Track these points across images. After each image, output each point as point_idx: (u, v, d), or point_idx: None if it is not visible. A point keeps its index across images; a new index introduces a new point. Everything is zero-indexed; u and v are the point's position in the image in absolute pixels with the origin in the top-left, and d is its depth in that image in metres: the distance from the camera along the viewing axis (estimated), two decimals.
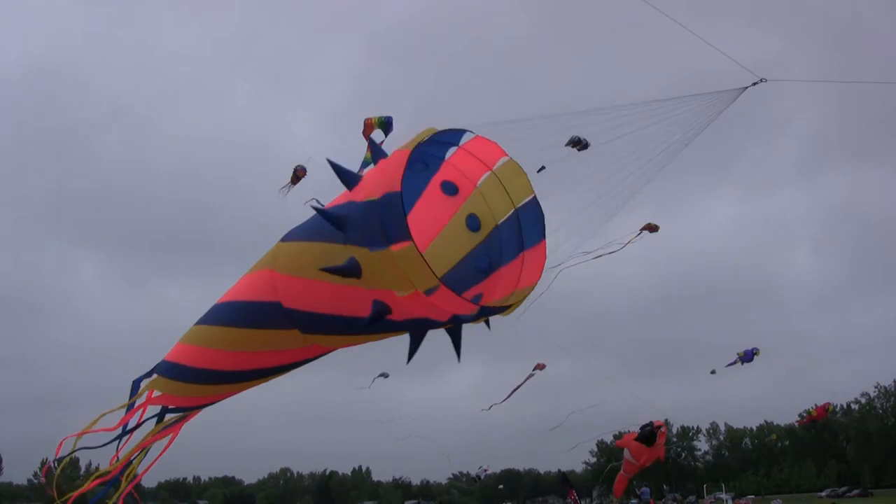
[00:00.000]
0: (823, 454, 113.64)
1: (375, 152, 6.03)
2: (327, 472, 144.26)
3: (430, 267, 5.03)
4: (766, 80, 12.73)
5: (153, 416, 7.89)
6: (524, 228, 6.18)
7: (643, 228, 23.05)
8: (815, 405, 40.11)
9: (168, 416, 7.90)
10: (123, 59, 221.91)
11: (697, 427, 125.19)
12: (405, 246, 4.97)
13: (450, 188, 6.03)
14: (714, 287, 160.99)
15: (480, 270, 6.09)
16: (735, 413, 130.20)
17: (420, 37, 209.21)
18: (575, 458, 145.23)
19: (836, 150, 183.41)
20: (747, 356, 32.37)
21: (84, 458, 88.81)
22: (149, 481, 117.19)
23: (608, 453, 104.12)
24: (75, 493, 7.98)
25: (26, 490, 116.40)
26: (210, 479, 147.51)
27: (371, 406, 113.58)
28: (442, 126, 5.82)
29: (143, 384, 7.73)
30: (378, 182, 5.32)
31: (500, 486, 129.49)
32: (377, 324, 5.54)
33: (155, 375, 7.74)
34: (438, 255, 5.65)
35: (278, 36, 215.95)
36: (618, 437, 33.52)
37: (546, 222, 6.25)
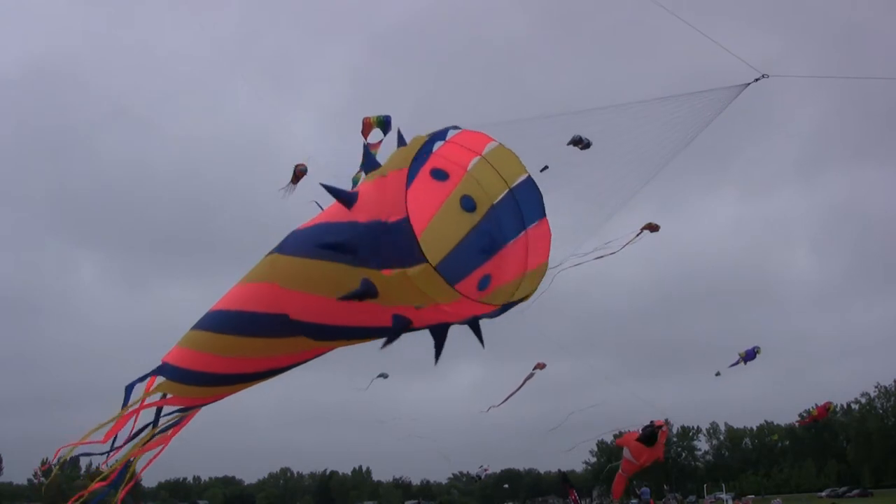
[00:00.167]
0: (823, 454, 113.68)
1: (368, 161, 5.89)
2: (327, 472, 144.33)
3: (448, 283, 4.96)
4: (768, 76, 12.68)
5: (148, 425, 7.84)
6: (522, 207, 6.06)
7: (644, 228, 23.01)
8: (816, 405, 40.15)
9: (163, 420, 7.86)
10: (123, 59, 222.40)
11: (697, 427, 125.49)
12: (421, 267, 4.90)
13: (440, 174, 5.94)
14: (714, 287, 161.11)
15: (483, 250, 5.98)
16: (735, 413, 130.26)
17: (420, 37, 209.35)
18: (575, 458, 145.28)
19: (836, 149, 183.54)
20: (749, 355, 32.39)
21: (84, 459, 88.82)
22: (149, 481, 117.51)
23: (608, 453, 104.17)
24: (74, 497, 7.95)
25: (26, 490, 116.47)
26: (210, 479, 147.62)
27: (371, 406, 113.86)
28: (438, 127, 5.79)
29: (135, 388, 7.66)
30: (380, 203, 5.21)
31: (506, 486, 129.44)
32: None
33: (154, 378, 7.69)
34: (437, 238, 5.58)
35: (278, 36, 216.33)
36: (618, 436, 33.50)
37: (547, 210, 6.10)
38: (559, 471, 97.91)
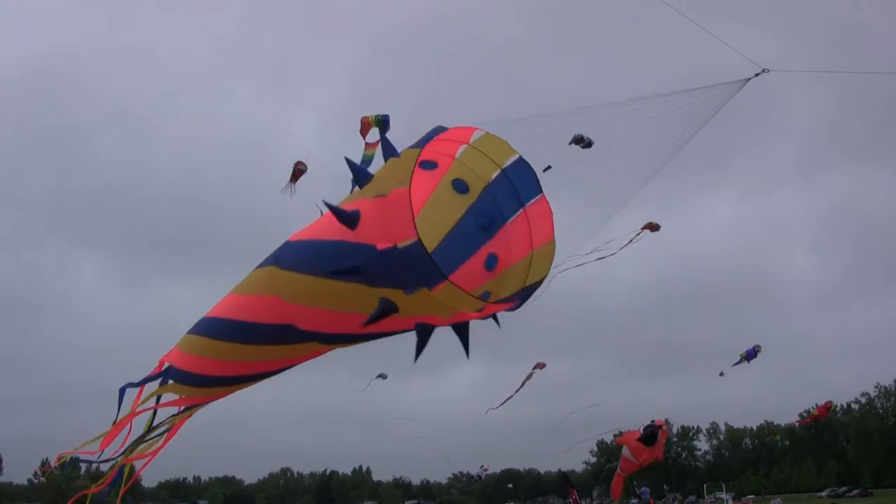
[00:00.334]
0: (823, 454, 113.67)
1: (387, 149, 5.78)
2: (327, 472, 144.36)
3: (471, 295, 4.98)
4: (769, 71, 12.64)
5: (153, 428, 7.83)
6: (517, 185, 6.02)
7: (644, 227, 22.94)
8: (816, 405, 40.14)
9: (163, 420, 7.85)
10: (123, 59, 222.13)
11: (697, 427, 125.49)
12: (444, 287, 4.91)
13: (428, 164, 5.89)
14: (714, 287, 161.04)
15: (483, 228, 5.95)
16: (735, 413, 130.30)
17: (420, 37, 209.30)
18: (575, 457, 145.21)
19: (836, 149, 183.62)
20: (750, 354, 32.40)
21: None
22: (149, 481, 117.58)
23: (608, 453, 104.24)
24: (74, 497, 7.94)
25: (26, 490, 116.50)
26: (210, 479, 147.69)
27: (371, 406, 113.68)
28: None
29: (127, 391, 7.62)
30: (385, 225, 5.15)
31: (510, 486, 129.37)
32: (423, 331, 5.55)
33: (144, 388, 7.65)
34: (433, 220, 5.54)
35: (278, 36, 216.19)
36: (618, 435, 33.49)
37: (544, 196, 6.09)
38: (559, 471, 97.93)
